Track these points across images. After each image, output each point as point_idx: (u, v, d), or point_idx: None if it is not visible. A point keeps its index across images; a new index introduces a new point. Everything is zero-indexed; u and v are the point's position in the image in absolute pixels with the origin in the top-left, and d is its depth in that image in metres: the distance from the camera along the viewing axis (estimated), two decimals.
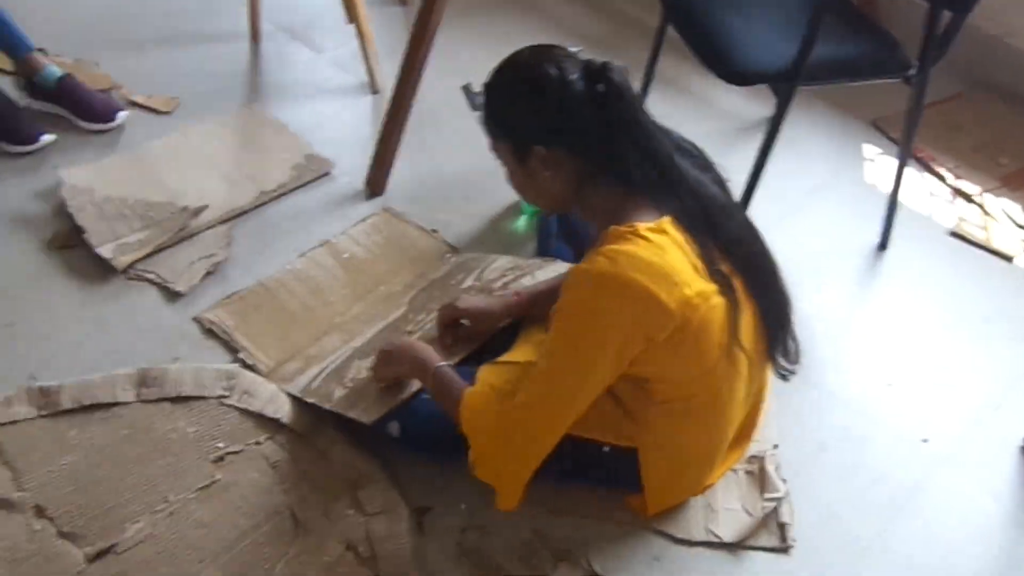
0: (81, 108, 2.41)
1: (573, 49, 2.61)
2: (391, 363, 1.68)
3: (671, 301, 1.35)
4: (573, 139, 1.42)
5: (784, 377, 1.64)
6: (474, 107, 2.20)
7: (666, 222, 1.40)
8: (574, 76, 1.40)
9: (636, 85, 1.46)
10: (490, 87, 1.48)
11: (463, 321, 1.77)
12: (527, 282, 1.89)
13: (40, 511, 1.59)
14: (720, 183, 1.52)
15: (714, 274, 1.41)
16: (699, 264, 1.40)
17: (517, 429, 1.43)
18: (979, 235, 2.34)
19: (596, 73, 1.40)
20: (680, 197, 1.43)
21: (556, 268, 1.93)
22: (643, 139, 1.42)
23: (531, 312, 1.79)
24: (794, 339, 1.62)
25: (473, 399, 1.50)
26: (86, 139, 2.39)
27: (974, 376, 2.02)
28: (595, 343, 1.38)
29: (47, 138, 2.35)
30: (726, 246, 1.45)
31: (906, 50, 2.01)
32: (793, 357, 1.63)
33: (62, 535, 1.57)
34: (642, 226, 1.38)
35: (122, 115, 2.44)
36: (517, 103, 1.44)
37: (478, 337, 1.77)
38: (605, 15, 3.08)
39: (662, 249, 1.37)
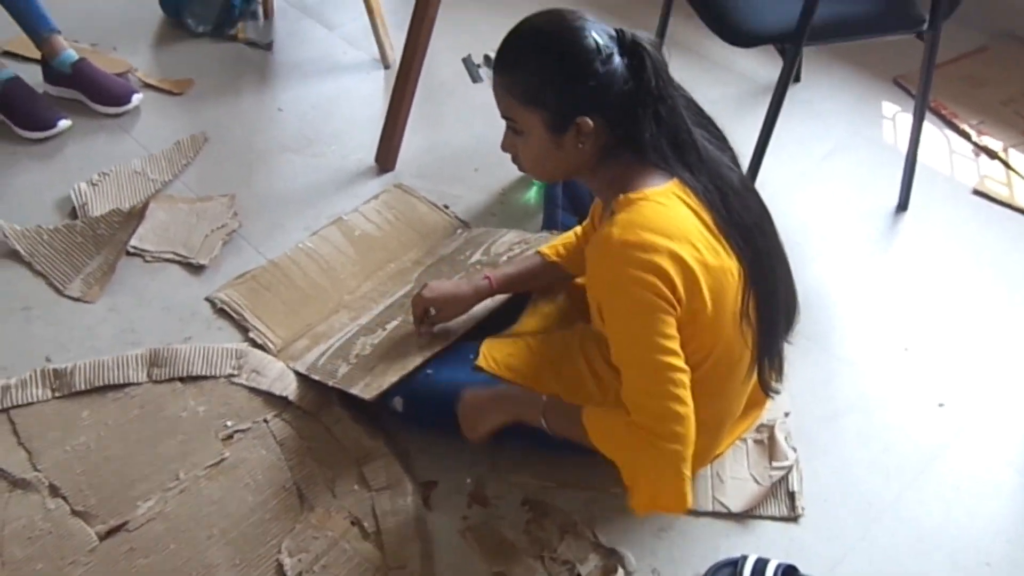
0: (96, 91, 2.43)
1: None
2: (484, 416, 1.57)
3: (691, 259, 1.34)
4: (609, 111, 1.38)
5: (767, 394, 1.63)
6: (474, 79, 2.18)
7: (675, 185, 1.39)
8: (612, 46, 1.36)
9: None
10: (519, 54, 1.40)
11: (431, 310, 1.74)
12: None
13: (54, 490, 1.63)
14: (736, 167, 1.49)
15: (730, 237, 1.40)
16: (712, 232, 1.39)
17: (650, 433, 1.34)
18: (1003, 192, 2.28)
19: (631, 44, 1.37)
20: (696, 174, 1.41)
21: None
22: (668, 114, 1.39)
23: (504, 293, 1.78)
24: (780, 355, 1.58)
25: (594, 421, 1.43)
26: (100, 122, 2.42)
27: (994, 339, 1.97)
28: (647, 310, 1.33)
29: (64, 123, 2.38)
30: (737, 234, 1.42)
31: (920, 4, 1.95)
32: (777, 373, 1.59)
33: (75, 514, 1.60)
34: (651, 191, 1.37)
35: (137, 97, 2.46)
36: (561, 73, 1.36)
37: (455, 327, 1.75)
38: None
39: (675, 211, 1.36)
